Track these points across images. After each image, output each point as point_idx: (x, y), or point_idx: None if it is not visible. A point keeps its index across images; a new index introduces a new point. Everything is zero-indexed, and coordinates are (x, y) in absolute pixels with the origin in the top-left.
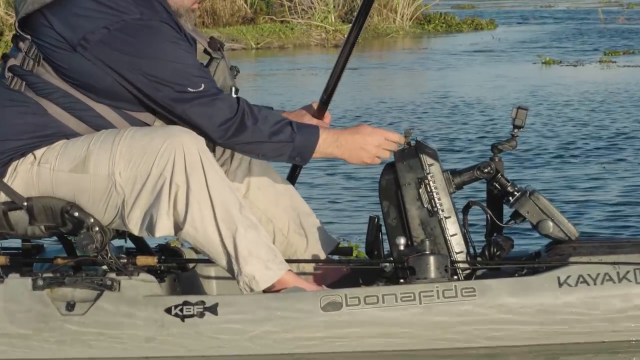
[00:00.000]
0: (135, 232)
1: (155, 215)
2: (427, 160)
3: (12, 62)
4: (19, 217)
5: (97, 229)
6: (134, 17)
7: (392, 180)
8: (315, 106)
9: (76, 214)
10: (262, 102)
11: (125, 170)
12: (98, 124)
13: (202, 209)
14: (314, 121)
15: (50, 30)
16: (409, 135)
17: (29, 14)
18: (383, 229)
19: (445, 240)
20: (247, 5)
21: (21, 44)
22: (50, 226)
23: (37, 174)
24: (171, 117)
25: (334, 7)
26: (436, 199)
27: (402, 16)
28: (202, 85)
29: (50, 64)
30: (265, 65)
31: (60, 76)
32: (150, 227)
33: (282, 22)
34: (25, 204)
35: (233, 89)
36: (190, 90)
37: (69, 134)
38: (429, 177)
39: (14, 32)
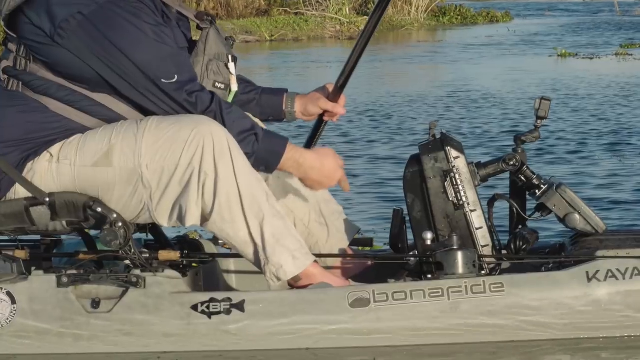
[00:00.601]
0: (164, 223)
1: (184, 206)
2: (452, 153)
3: (4, 63)
4: (40, 213)
5: (120, 224)
6: (106, 0)
7: (417, 172)
8: (329, 88)
9: (99, 209)
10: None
11: (152, 162)
12: (101, 114)
13: (229, 197)
14: (329, 105)
15: (30, 26)
16: (434, 127)
17: (11, 13)
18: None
19: (471, 234)
20: None
21: (10, 45)
22: (72, 221)
23: (57, 171)
24: (148, 108)
25: None
26: (462, 192)
27: (417, 8)
28: (175, 76)
29: (39, 61)
30: (279, 57)
31: (51, 71)
32: (180, 218)
33: (296, 14)
34: (47, 199)
35: (230, 56)
36: (164, 81)
37: (76, 128)
38: (455, 170)
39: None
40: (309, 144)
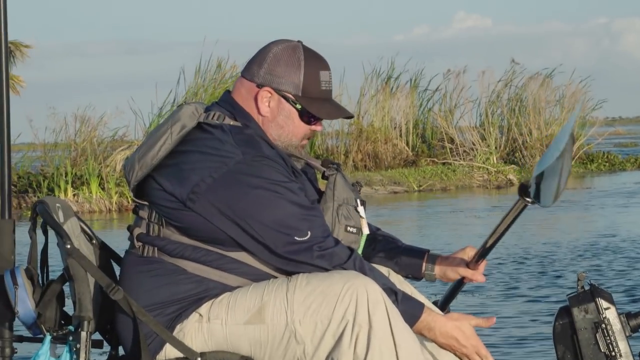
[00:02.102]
0: None
1: (336, 359)
2: (603, 304)
3: (137, 231)
4: None
5: None
6: (236, 160)
7: (567, 324)
8: (470, 252)
9: None
10: (423, 244)
11: (305, 317)
12: (239, 271)
13: (382, 349)
14: (468, 273)
15: (161, 192)
16: (583, 278)
17: (140, 182)
18: None
19: None
20: (408, 148)
21: (141, 212)
22: None
23: (209, 331)
24: (282, 266)
25: (496, 148)
26: (613, 344)
27: None
28: (308, 233)
29: (172, 225)
30: (427, 207)
31: (185, 234)
32: None
33: (443, 164)
34: (199, 359)
35: (358, 200)
36: (297, 239)
37: (218, 287)
38: (606, 321)
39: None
40: (445, 304)
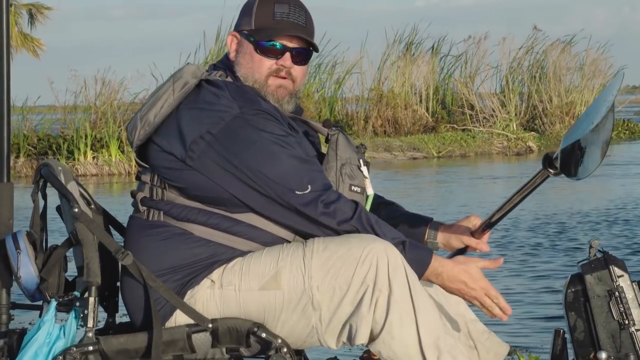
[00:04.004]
0: (332, 345)
1: (355, 325)
2: (616, 271)
3: (140, 195)
4: (202, 340)
5: (285, 349)
6: (233, 114)
7: (579, 291)
8: (474, 220)
9: (263, 334)
10: (443, 209)
11: (323, 283)
12: (249, 235)
13: (402, 313)
14: (472, 242)
15: (161, 153)
16: (596, 246)
17: (142, 145)
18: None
19: (637, 353)
20: (428, 114)
21: (143, 176)
22: (232, 348)
23: (221, 297)
24: (285, 222)
25: (516, 115)
26: (627, 311)
27: None
28: (309, 187)
29: (174, 187)
30: (446, 173)
31: (187, 196)
32: (350, 338)
33: (463, 130)
34: (210, 325)
35: (361, 160)
36: (297, 193)
37: (227, 252)
38: (619, 289)
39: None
40: None
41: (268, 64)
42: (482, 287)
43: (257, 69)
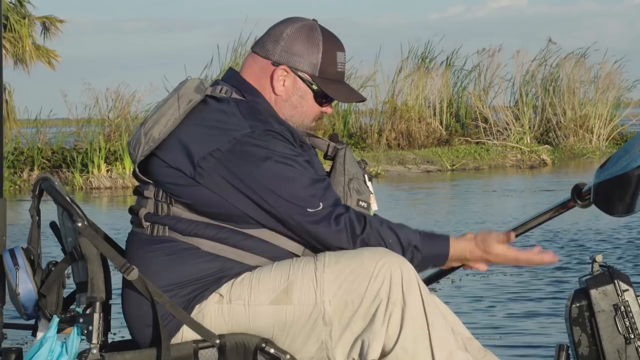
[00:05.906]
0: None
1: (367, 340)
2: (621, 286)
3: (144, 211)
4: (209, 356)
5: None
6: (244, 133)
7: (584, 307)
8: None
9: (272, 350)
10: (456, 222)
11: (335, 297)
12: (258, 250)
13: (415, 328)
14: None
15: (167, 168)
16: (599, 260)
17: (143, 161)
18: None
19: None
20: (442, 127)
21: (146, 192)
22: None
23: (230, 312)
24: (297, 238)
25: (530, 128)
26: (633, 326)
27: (599, 136)
28: (320, 204)
29: (181, 202)
30: (460, 187)
31: (195, 211)
32: (361, 354)
33: (477, 143)
34: (218, 341)
35: (366, 176)
36: (309, 210)
37: (235, 267)
38: (625, 304)
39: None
40: (429, 282)
41: (318, 110)
42: (509, 259)
43: (308, 114)
